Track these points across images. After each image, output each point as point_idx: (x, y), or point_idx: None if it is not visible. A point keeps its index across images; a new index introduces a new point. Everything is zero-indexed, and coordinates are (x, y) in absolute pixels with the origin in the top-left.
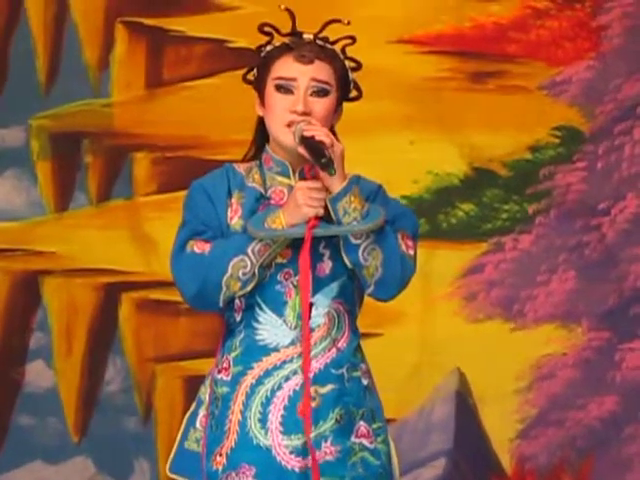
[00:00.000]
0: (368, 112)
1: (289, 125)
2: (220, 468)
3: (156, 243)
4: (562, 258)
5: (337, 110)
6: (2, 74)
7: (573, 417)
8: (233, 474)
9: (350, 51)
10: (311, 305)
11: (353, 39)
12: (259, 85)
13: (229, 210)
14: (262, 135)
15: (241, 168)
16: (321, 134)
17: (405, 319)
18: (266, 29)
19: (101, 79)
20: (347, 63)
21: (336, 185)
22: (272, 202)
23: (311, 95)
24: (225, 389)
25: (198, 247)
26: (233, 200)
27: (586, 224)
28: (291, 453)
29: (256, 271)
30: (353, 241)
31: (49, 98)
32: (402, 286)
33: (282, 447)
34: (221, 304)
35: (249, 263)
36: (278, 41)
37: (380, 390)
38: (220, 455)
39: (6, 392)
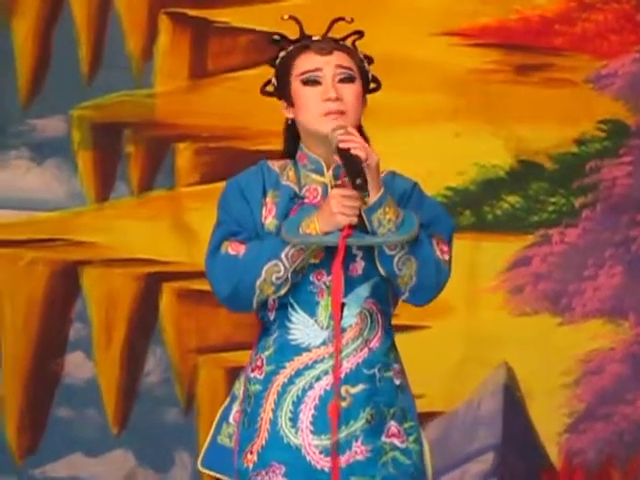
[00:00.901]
0: (414, 104)
1: (326, 115)
2: (251, 466)
3: (197, 233)
4: (609, 253)
5: (363, 101)
6: (45, 64)
7: (621, 412)
8: (263, 472)
9: (395, 42)
10: (343, 305)
11: (361, 34)
12: (282, 90)
13: (264, 209)
14: (292, 140)
15: (276, 165)
16: (357, 146)
17: (451, 312)
18: (275, 38)
19: (144, 70)
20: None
21: (371, 195)
22: (306, 201)
23: (339, 82)
24: (258, 387)
25: (233, 248)
26: (268, 199)
27: (632, 219)
28: (321, 453)
29: (289, 276)
30: (387, 252)
31: (91, 88)
32: (437, 292)
33: (312, 447)
34: (254, 306)
35: (282, 268)
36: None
37: (427, 383)
38: (251, 453)
39: (45, 384)
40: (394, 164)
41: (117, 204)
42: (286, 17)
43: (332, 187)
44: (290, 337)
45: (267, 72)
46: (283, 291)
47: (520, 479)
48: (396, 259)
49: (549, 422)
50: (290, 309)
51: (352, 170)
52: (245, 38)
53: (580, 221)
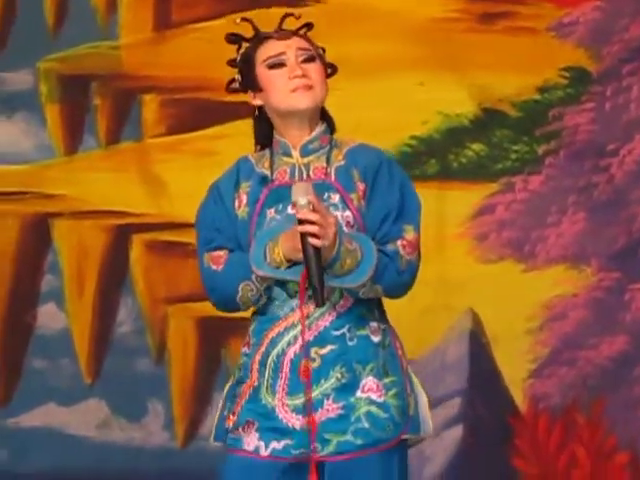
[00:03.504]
0: (377, 54)
1: (294, 90)
2: (231, 425)
3: (165, 185)
4: (572, 199)
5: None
6: (10, 17)
7: (585, 356)
8: (240, 428)
9: None
10: None
11: (310, 26)
12: (248, 80)
13: (236, 202)
14: (264, 129)
15: (254, 156)
16: (315, 230)
17: None
18: (231, 37)
19: (109, 21)
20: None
21: (326, 254)
22: (276, 183)
23: (302, 62)
24: (245, 359)
25: (213, 262)
26: (240, 190)
27: (595, 165)
28: (292, 412)
29: (263, 293)
30: (353, 289)
31: (57, 41)
32: (413, 283)
33: (285, 406)
34: (245, 309)
35: (255, 288)
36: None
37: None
38: (233, 414)
39: (19, 335)
40: (359, 114)
41: (85, 156)
42: (238, 21)
43: (299, 166)
44: (267, 309)
45: (231, 23)
46: (262, 301)
47: (486, 424)
48: (361, 292)
49: (514, 367)
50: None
51: (309, 262)
52: None
53: (543, 168)
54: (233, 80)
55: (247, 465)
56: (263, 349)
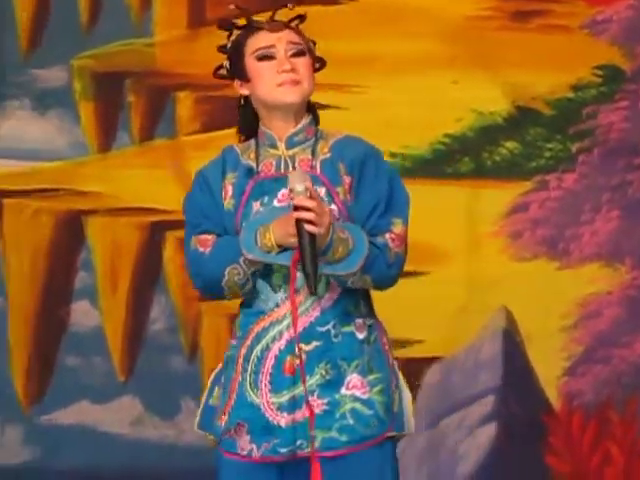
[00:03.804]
0: (411, 52)
1: (281, 85)
2: (223, 425)
3: None
4: (606, 197)
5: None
6: (44, 14)
7: (619, 354)
8: (232, 430)
9: None
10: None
11: (302, 17)
12: (236, 69)
13: (223, 192)
14: (248, 119)
15: (239, 147)
16: (311, 217)
17: (451, 258)
18: (223, 24)
19: (143, 18)
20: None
21: (320, 242)
22: (262, 175)
23: (291, 57)
24: (232, 352)
25: (200, 245)
26: (226, 181)
27: (629, 163)
28: (278, 409)
29: (250, 277)
30: (342, 277)
31: (91, 38)
32: (399, 275)
33: (270, 404)
34: (229, 297)
35: (242, 271)
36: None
37: (428, 328)
38: (224, 414)
39: (52, 332)
40: (393, 111)
41: (119, 154)
42: (232, 7)
43: (285, 158)
44: (252, 302)
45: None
46: (247, 288)
47: (520, 421)
48: (350, 281)
49: (548, 365)
50: (257, 278)
51: (303, 249)
52: None
53: (577, 166)
54: (221, 66)
55: (244, 469)
56: (248, 343)
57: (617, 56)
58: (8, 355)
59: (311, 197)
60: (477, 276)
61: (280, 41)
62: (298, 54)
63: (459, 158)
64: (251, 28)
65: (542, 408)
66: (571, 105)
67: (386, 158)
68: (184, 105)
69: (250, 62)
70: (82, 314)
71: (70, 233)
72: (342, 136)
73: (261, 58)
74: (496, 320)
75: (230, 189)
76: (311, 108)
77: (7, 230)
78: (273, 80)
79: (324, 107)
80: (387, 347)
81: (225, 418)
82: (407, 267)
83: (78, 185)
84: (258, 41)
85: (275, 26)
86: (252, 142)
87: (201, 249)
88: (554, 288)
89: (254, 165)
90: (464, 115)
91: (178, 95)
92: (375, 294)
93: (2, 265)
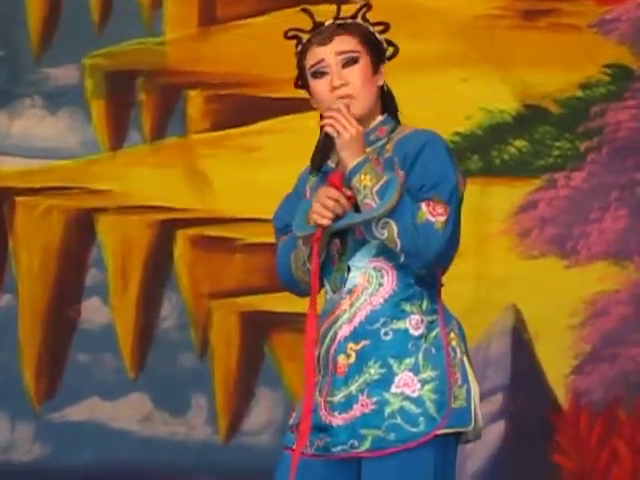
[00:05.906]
0: (421, 51)
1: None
2: (291, 421)
3: (210, 180)
4: (614, 196)
5: (377, 71)
6: (56, 13)
7: (627, 353)
8: (294, 427)
9: None
10: (349, 268)
11: (369, 6)
12: (305, 83)
13: (304, 196)
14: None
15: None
16: (331, 122)
17: (459, 256)
18: (290, 34)
19: (154, 17)
20: (372, 28)
21: (350, 163)
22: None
23: (343, 67)
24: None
25: (280, 242)
26: (307, 185)
27: (637, 162)
28: (330, 409)
29: (306, 260)
30: (369, 221)
31: (102, 37)
32: (433, 255)
33: (325, 403)
34: (305, 287)
35: (301, 256)
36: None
37: None
38: (294, 411)
39: (63, 329)
40: (402, 109)
41: (130, 152)
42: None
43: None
44: (323, 305)
45: (276, 19)
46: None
47: (528, 419)
48: (374, 224)
49: (556, 363)
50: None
51: (319, 146)
52: None
53: (585, 165)
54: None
55: (299, 464)
56: (319, 345)
57: (626, 55)
58: (19, 352)
59: (342, 114)
60: (485, 274)
61: (328, 54)
62: (349, 63)
63: (468, 156)
64: (305, 43)
65: (550, 406)
66: (580, 104)
67: None
68: (195, 103)
69: (308, 79)
70: (93, 311)
71: (81, 231)
72: (407, 132)
73: (315, 75)
74: (504, 318)
75: (309, 192)
76: (387, 104)
77: (18, 228)
78: (327, 100)
79: None
80: (453, 343)
81: (294, 414)
82: None
83: (89, 183)
84: (310, 58)
85: (322, 39)
86: None
87: (280, 245)
88: (562, 286)
89: (332, 167)
90: (473, 113)
91: (189, 93)
92: None
93: (13, 263)
